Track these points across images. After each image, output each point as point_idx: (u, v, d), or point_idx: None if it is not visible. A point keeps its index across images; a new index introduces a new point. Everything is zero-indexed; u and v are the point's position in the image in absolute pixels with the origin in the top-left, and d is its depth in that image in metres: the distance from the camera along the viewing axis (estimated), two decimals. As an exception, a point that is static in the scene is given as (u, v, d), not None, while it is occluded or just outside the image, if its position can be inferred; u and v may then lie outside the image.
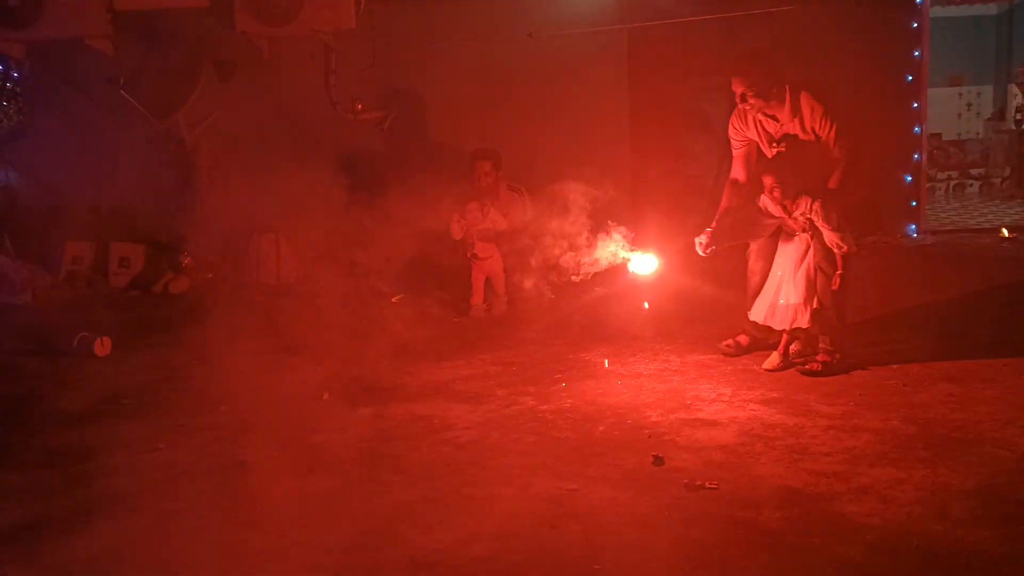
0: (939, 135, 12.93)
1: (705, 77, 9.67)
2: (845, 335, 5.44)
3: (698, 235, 5.47)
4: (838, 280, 5.28)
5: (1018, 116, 12.22)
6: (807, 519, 3.58)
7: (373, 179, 9.05)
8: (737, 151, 5.67)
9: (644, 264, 5.70)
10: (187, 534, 3.71)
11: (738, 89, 5.35)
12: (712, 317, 6.64)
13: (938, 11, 10.73)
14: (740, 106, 5.46)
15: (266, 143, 9.04)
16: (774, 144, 5.50)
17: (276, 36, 8.56)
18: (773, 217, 5.43)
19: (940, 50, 11.14)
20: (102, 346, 6.43)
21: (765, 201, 5.44)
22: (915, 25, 8.99)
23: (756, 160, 5.64)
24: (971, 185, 12.74)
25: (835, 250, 5.26)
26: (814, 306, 5.34)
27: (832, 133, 5.27)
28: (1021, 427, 4.41)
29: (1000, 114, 13.32)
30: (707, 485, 3.91)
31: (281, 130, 9.07)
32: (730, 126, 5.66)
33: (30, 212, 9.26)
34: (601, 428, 4.67)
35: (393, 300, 5.19)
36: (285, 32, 8.39)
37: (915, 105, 9.00)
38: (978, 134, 13.47)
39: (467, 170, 7.28)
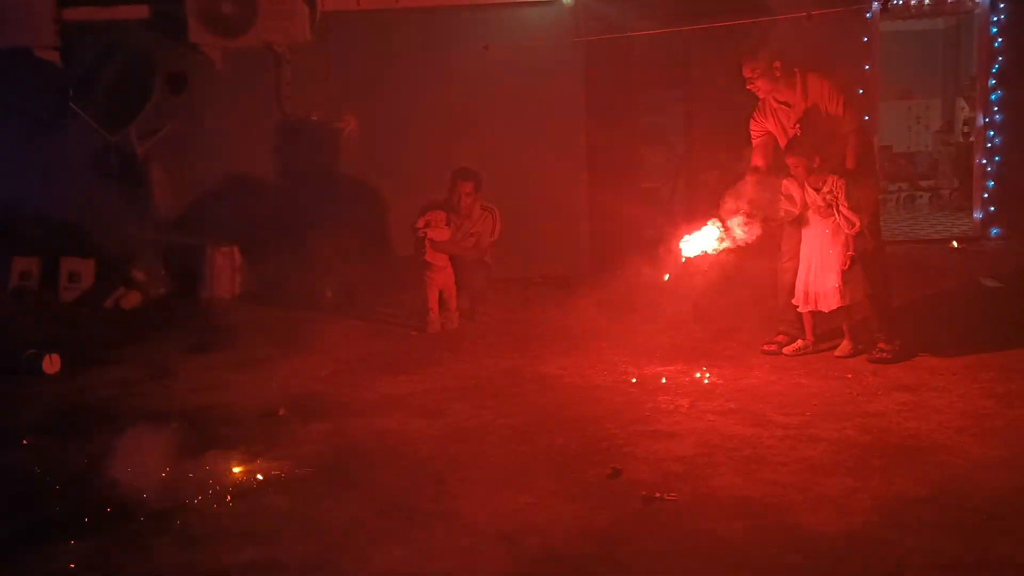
0: (890, 147, 13.15)
1: (661, 90, 9.76)
2: (896, 322, 5.82)
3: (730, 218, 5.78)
4: (848, 261, 5.68)
5: (965, 129, 12.46)
6: (765, 529, 3.60)
7: (329, 191, 9.02)
8: (756, 140, 6.05)
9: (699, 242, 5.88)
10: (139, 555, 3.64)
11: (745, 74, 5.79)
12: (668, 329, 6.68)
13: (887, 25, 10.90)
14: (748, 88, 5.86)
15: (219, 156, 8.96)
16: (790, 132, 5.87)
17: (229, 48, 8.48)
18: (795, 204, 5.79)
19: (889, 64, 11.32)
20: (51, 363, 6.28)
21: (788, 186, 5.80)
22: (865, 39, 9.15)
23: (774, 150, 6.01)
24: (921, 197, 12.96)
25: (846, 228, 5.64)
26: (852, 296, 5.74)
27: (841, 106, 5.68)
28: (972, 435, 4.48)
29: (948, 127, 13.57)
30: (665, 496, 3.91)
31: (234, 143, 8.99)
32: (751, 120, 6.04)
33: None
34: (560, 441, 4.66)
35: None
36: (238, 44, 8.31)
37: (866, 118, 9.13)
38: (927, 147, 13.70)
39: (448, 188, 7.22)
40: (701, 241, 5.79)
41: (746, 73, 5.78)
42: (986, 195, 9.65)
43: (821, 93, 5.70)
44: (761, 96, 5.88)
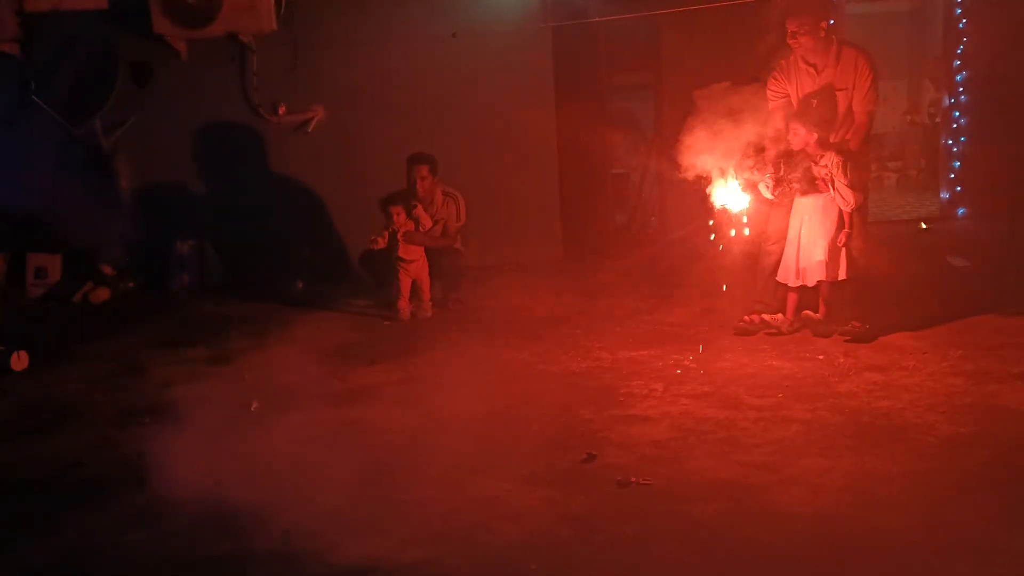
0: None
1: (630, 75, 9.77)
2: (868, 302, 5.87)
3: (761, 179, 5.79)
4: (844, 237, 5.72)
5: (931, 110, 12.56)
6: (739, 511, 3.62)
7: (297, 181, 8.97)
8: (774, 103, 6.03)
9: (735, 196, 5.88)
10: (110, 551, 3.61)
11: (791, 27, 5.79)
12: (641, 313, 6.71)
13: (852, 8, 10.97)
14: (789, 42, 5.85)
15: (186, 147, 8.87)
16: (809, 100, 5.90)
17: (194, 38, 8.39)
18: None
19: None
20: (19, 360, 6.20)
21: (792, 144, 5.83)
22: (831, 22, 9.17)
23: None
24: (889, 178, 13.07)
25: (843, 206, 5.69)
26: (841, 274, 5.78)
27: (867, 84, 5.75)
28: (941, 413, 4.53)
29: (914, 108, 13.68)
30: (641, 481, 3.93)
31: (201, 134, 8.91)
32: (770, 79, 6.04)
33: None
34: (535, 427, 4.67)
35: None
36: (203, 34, 8.23)
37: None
38: (894, 128, 13.81)
39: (404, 174, 7.20)
40: (732, 194, 5.81)
41: (792, 27, 5.78)
42: (952, 175, 9.75)
43: (856, 66, 5.76)
44: (799, 53, 5.86)
